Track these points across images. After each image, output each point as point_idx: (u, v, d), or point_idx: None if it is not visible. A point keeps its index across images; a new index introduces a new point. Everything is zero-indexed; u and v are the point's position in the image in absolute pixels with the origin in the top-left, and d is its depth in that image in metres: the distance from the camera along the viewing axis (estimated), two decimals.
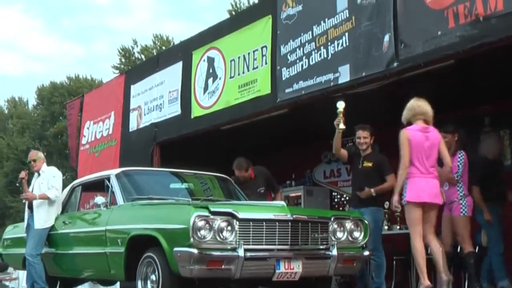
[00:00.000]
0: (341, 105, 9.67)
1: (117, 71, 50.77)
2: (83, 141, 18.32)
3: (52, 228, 11.06)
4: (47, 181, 11.30)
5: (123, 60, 55.15)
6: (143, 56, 53.00)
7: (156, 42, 55.00)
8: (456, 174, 9.60)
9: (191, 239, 7.44)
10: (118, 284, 13.07)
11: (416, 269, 8.94)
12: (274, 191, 11.99)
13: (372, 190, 9.95)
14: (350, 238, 8.73)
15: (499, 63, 9.68)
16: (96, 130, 17.45)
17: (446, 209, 9.81)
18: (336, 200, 15.84)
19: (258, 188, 11.44)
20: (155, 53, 47.66)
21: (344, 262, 8.54)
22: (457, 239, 9.87)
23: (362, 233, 8.83)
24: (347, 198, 15.37)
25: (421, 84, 10.32)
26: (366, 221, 8.99)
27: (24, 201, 11.69)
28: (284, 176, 16.10)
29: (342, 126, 9.78)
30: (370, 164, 10.14)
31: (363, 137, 10.21)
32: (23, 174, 11.66)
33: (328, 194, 15.87)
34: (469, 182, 9.91)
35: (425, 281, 8.37)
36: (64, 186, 11.66)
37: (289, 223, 8.09)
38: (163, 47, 50.52)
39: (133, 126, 15.75)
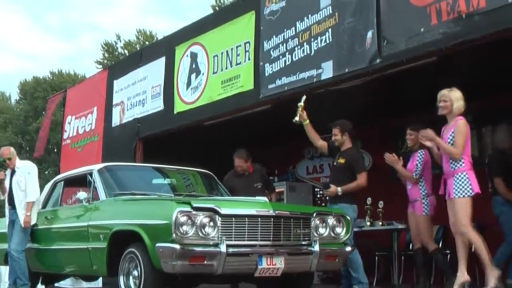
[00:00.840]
0: (302, 99, 9.92)
1: (100, 66, 50.58)
2: (65, 136, 18.29)
3: (35, 223, 11.02)
4: (24, 179, 11.26)
5: (106, 55, 54.98)
6: (126, 51, 52.85)
7: (140, 37, 54.85)
8: (415, 173, 9.63)
9: (173, 235, 7.41)
10: (100, 279, 13.07)
11: (460, 261, 8.77)
12: (269, 189, 12.00)
13: (339, 189, 9.81)
14: (333, 234, 8.72)
15: (481, 60, 9.72)
16: (79, 125, 17.41)
17: (410, 206, 9.92)
18: (318, 196, 15.86)
19: (256, 183, 11.48)
20: (138, 48, 47.54)
21: (326, 258, 8.53)
22: (421, 238, 9.87)
23: (344, 229, 8.83)
24: None
25: (403, 81, 10.37)
26: (348, 217, 9.00)
27: (2, 197, 11.59)
28: (267, 172, 16.07)
29: (296, 118, 10.06)
30: (342, 161, 10.02)
31: (334, 134, 10.15)
32: (2, 175, 11.51)
33: (310, 190, 15.92)
34: (489, 176, 10.00)
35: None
36: (46, 182, 11.61)
37: (272, 219, 8.06)
38: (147, 42, 50.40)
39: (116, 121, 15.73)
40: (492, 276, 8.28)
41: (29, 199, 11.10)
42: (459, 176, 8.48)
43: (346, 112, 10.18)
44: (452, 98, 8.69)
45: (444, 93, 8.74)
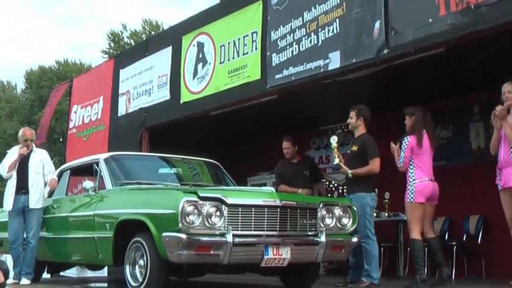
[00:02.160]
0: (334, 140, 9.81)
1: (106, 56, 50.57)
2: (70, 125, 18.29)
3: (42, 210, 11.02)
4: (46, 162, 11.25)
5: (112, 44, 55.01)
6: (132, 41, 52.86)
7: (146, 27, 54.89)
8: (399, 161, 9.45)
9: (180, 224, 7.41)
10: (105, 269, 13.08)
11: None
12: (317, 179, 11.97)
13: (349, 171, 9.73)
14: (339, 225, 8.74)
15: (489, 51, 9.69)
16: (84, 114, 17.40)
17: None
18: (324, 186, 15.81)
19: (305, 170, 11.46)
20: (144, 38, 47.52)
21: (332, 248, 8.54)
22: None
23: (351, 220, 8.84)
24: (336, 184, 15.40)
25: (411, 72, 10.35)
26: (355, 208, 9.00)
27: (6, 174, 11.33)
28: (273, 162, 16.04)
29: (337, 161, 9.84)
30: (355, 148, 9.89)
31: (350, 117, 10.00)
32: (25, 151, 11.26)
33: None
34: None
35: None
36: None
37: (278, 209, 8.07)
38: (152, 32, 50.38)
39: (121, 110, 15.71)
40: None
41: (54, 176, 11.17)
42: None
43: (353, 103, 10.13)
44: None
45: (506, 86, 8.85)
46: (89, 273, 13.88)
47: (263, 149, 16.21)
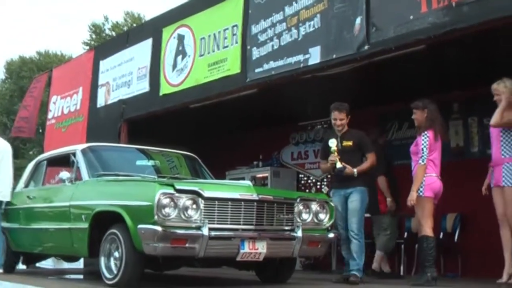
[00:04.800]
0: (333, 143, 9.55)
1: (88, 47, 50.34)
2: (49, 115, 18.18)
3: (17, 202, 10.98)
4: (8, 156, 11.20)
5: (93, 36, 54.74)
6: (113, 33, 52.61)
7: (127, 19, 54.63)
8: (421, 159, 8.88)
9: (156, 217, 7.38)
10: (81, 260, 13.01)
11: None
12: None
13: (355, 170, 9.46)
14: (316, 220, 8.74)
15: (469, 50, 9.70)
16: (64, 105, 17.30)
17: None
18: (302, 182, 15.85)
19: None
20: (124, 31, 47.34)
21: (309, 244, 8.55)
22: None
23: (328, 215, 8.84)
24: (314, 180, 15.41)
25: (391, 68, 10.33)
26: (332, 204, 9.00)
27: None
28: (251, 156, 16.08)
29: (339, 165, 9.49)
30: (350, 143, 9.65)
31: (340, 118, 9.74)
32: None
33: (295, 176, 15.87)
34: None
35: None
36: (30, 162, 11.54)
37: (255, 203, 8.07)
38: (134, 25, 50.18)
39: (101, 102, 15.62)
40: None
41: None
42: (510, 164, 8.55)
43: (332, 99, 10.10)
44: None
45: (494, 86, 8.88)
46: (65, 265, 13.80)
47: (242, 143, 16.22)
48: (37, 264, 13.01)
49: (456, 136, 12.11)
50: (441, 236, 11.82)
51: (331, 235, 8.93)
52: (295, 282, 9.30)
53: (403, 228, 12.49)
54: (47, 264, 13.88)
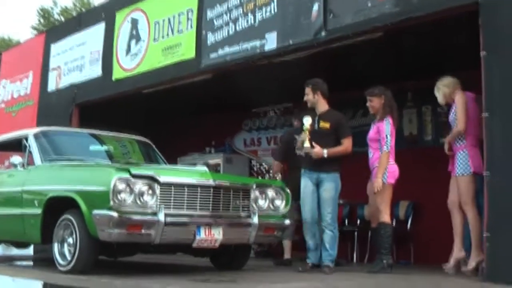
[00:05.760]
0: (307, 121, 9.01)
1: (36, 32, 49.77)
2: None
3: None
4: None
5: (42, 21, 54.10)
6: (62, 18, 52.06)
7: (76, 4, 54.06)
8: (386, 146, 8.87)
9: (111, 202, 7.29)
10: (32, 247, 12.84)
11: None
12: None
13: (325, 151, 8.96)
14: (272, 207, 8.71)
15: (425, 39, 9.73)
16: (13, 89, 17.06)
17: (371, 178, 9.30)
18: (255, 169, 15.80)
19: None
20: (75, 15, 46.87)
21: (265, 230, 8.52)
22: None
23: (284, 202, 8.81)
24: (266, 167, 15.38)
25: (348, 56, 10.33)
26: (287, 191, 8.95)
27: None
28: (204, 142, 15.99)
29: (307, 144, 9.00)
30: (327, 125, 9.15)
31: (306, 93, 9.30)
32: None
33: (247, 163, 15.79)
34: None
35: None
36: None
37: (211, 189, 8.02)
38: (83, 9, 49.68)
39: (52, 86, 15.43)
40: (476, 257, 8.36)
41: None
42: (461, 153, 8.59)
43: (287, 85, 10.07)
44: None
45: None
46: (14, 251, 13.60)
47: (194, 129, 16.11)
48: None
49: (410, 124, 12.14)
50: (394, 223, 11.85)
51: (287, 221, 8.87)
52: (250, 268, 9.27)
53: (355, 216, 12.53)
54: None
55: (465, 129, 8.53)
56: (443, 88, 8.96)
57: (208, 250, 8.41)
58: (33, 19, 68.36)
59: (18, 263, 11.89)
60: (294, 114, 11.45)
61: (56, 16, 54.33)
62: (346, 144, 9.14)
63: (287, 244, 10.72)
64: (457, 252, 8.81)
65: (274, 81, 11.84)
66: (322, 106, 9.35)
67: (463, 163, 8.60)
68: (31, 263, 12.59)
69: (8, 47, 43.72)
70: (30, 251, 13.35)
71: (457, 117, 8.58)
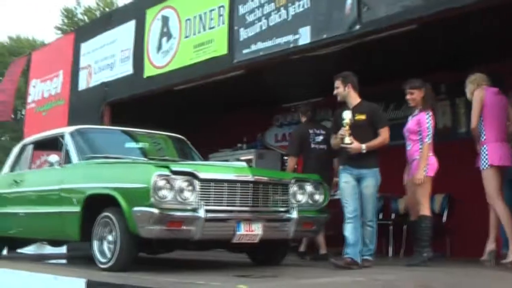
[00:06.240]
0: (347, 115, 8.68)
1: (60, 32, 50.05)
2: (29, 99, 18.02)
3: (3, 187, 10.83)
4: None
5: (65, 21, 54.38)
6: (86, 18, 52.31)
7: (100, 3, 54.27)
8: (428, 137, 8.82)
9: (152, 199, 7.30)
10: (65, 246, 12.90)
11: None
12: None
13: (363, 146, 8.66)
14: (310, 201, 8.70)
15: (459, 30, 9.67)
16: (44, 88, 17.15)
17: (408, 170, 9.29)
18: (287, 164, 15.75)
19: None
20: (98, 15, 47.03)
21: (304, 225, 8.51)
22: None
23: (322, 196, 8.80)
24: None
25: (379, 48, 10.28)
26: (326, 184, 8.95)
27: None
28: (236, 139, 15.99)
29: (347, 140, 8.65)
30: (363, 117, 8.83)
31: (336, 86, 9.04)
32: None
33: (279, 158, 15.76)
34: None
35: None
36: (3, 148, 11.38)
37: (250, 184, 8.02)
38: (107, 9, 49.87)
39: (82, 85, 15.50)
40: None
41: None
42: (482, 148, 8.70)
43: (319, 80, 10.03)
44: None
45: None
46: (47, 251, 13.66)
47: (225, 126, 16.13)
48: (19, 250, 12.87)
49: (443, 117, 12.09)
50: None
51: (325, 216, 8.86)
52: (287, 264, 9.24)
53: (389, 210, 12.48)
54: (28, 249, 13.71)
55: (476, 127, 8.74)
56: (469, 85, 9.13)
57: (248, 245, 8.39)
58: (57, 19, 68.86)
59: (54, 261, 11.96)
60: (300, 109, 11.40)
61: (79, 16, 54.63)
62: (384, 134, 8.81)
63: (321, 239, 10.68)
64: (489, 244, 8.81)
65: (305, 76, 11.81)
66: (354, 98, 9.06)
67: (482, 158, 8.74)
68: (65, 261, 12.66)
69: (32, 47, 43.99)
70: (63, 249, 13.41)
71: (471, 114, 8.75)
